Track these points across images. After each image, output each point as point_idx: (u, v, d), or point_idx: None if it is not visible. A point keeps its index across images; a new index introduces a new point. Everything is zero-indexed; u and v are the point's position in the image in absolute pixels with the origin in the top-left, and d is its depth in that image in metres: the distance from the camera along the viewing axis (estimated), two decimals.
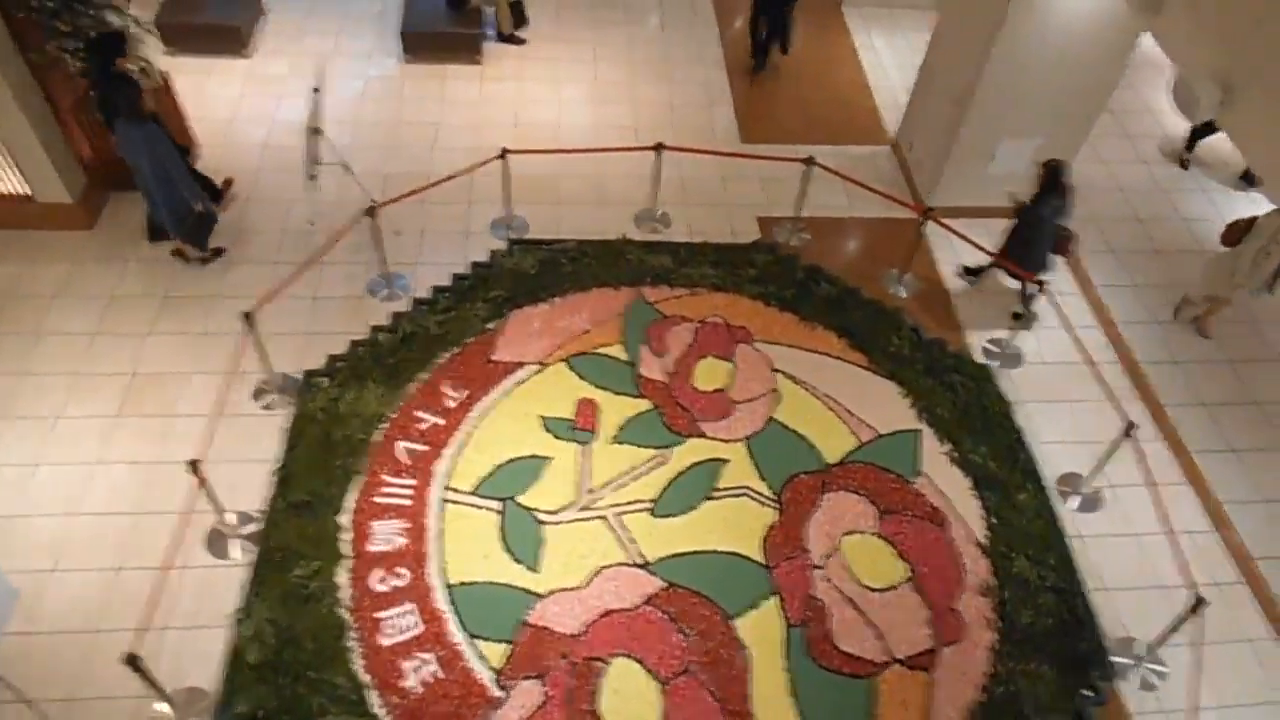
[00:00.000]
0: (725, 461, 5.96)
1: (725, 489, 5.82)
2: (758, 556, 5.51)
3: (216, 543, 5.34)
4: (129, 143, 6.03)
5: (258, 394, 6.07)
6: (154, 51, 7.14)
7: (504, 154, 6.87)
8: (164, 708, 4.64)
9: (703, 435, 6.09)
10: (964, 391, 6.51)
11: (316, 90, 6.20)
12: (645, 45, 9.50)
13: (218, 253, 6.88)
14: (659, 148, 7.09)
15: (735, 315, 6.87)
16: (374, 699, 4.78)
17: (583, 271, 7.08)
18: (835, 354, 6.73)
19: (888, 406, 6.41)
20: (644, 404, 6.24)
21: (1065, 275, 7.51)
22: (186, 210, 6.42)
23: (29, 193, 6.76)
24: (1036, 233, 6.56)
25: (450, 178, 6.95)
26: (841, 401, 6.42)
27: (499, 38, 9.25)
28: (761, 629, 5.19)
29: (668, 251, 7.30)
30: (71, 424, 5.84)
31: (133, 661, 4.14)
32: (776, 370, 6.56)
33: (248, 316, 5.56)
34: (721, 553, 5.51)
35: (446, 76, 8.82)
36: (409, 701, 4.78)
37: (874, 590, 5.41)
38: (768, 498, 5.81)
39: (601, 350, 6.53)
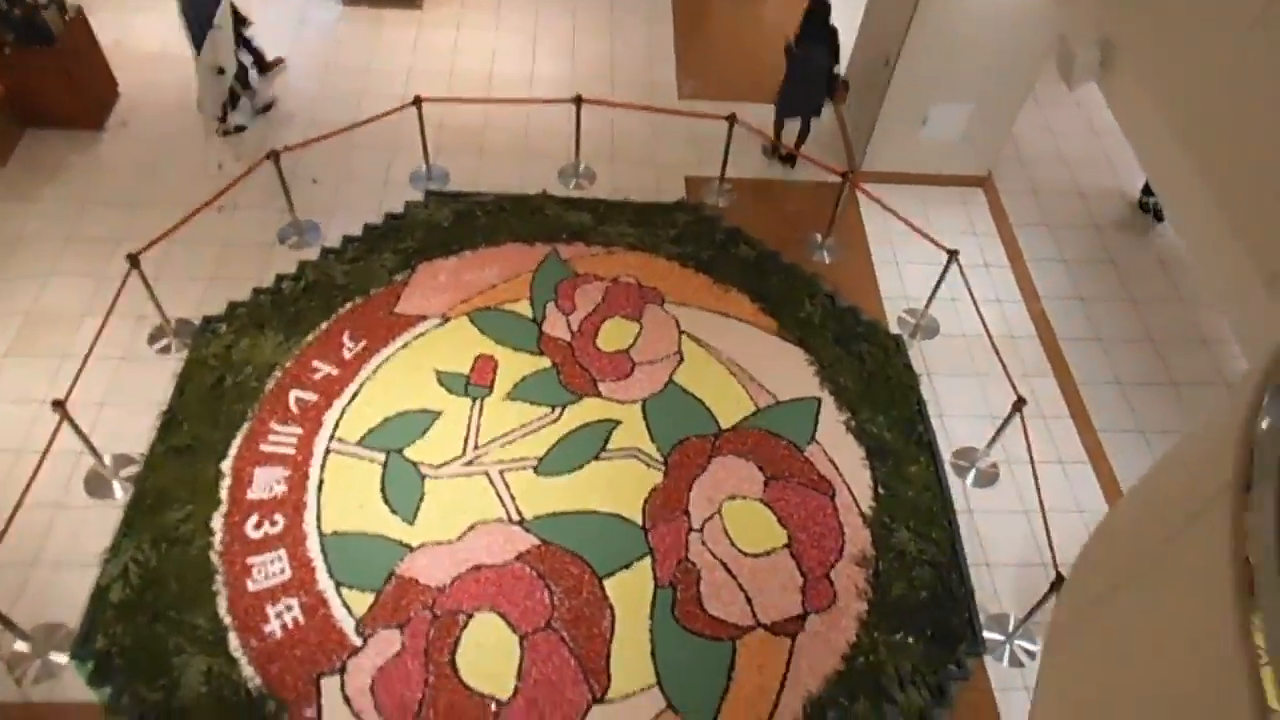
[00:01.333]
0: (617, 423, 5.92)
1: (614, 450, 5.80)
2: (636, 518, 5.50)
3: (95, 483, 5.37)
4: None
5: (152, 338, 6.05)
6: None
7: (417, 101, 6.75)
8: (22, 646, 4.70)
9: (599, 395, 6.05)
10: (871, 361, 6.44)
11: (215, 27, 6.07)
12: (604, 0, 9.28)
13: (239, 129, 7.09)
14: (577, 100, 6.95)
15: (649, 275, 6.78)
16: (234, 641, 4.83)
17: (498, 226, 6.99)
18: (745, 318, 6.65)
19: (791, 373, 6.35)
20: (543, 362, 6.19)
21: (997, 247, 7.37)
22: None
23: None
24: (805, 77, 6.99)
25: (359, 124, 6.85)
26: (745, 366, 6.35)
27: None
28: (630, 589, 5.19)
29: (587, 209, 7.20)
30: None
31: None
32: (683, 333, 6.49)
33: (132, 259, 5.52)
34: (601, 513, 5.50)
35: (384, 21, 8.66)
36: (268, 644, 4.83)
37: (748, 555, 5.40)
38: (655, 460, 5.78)
39: (507, 306, 6.47)
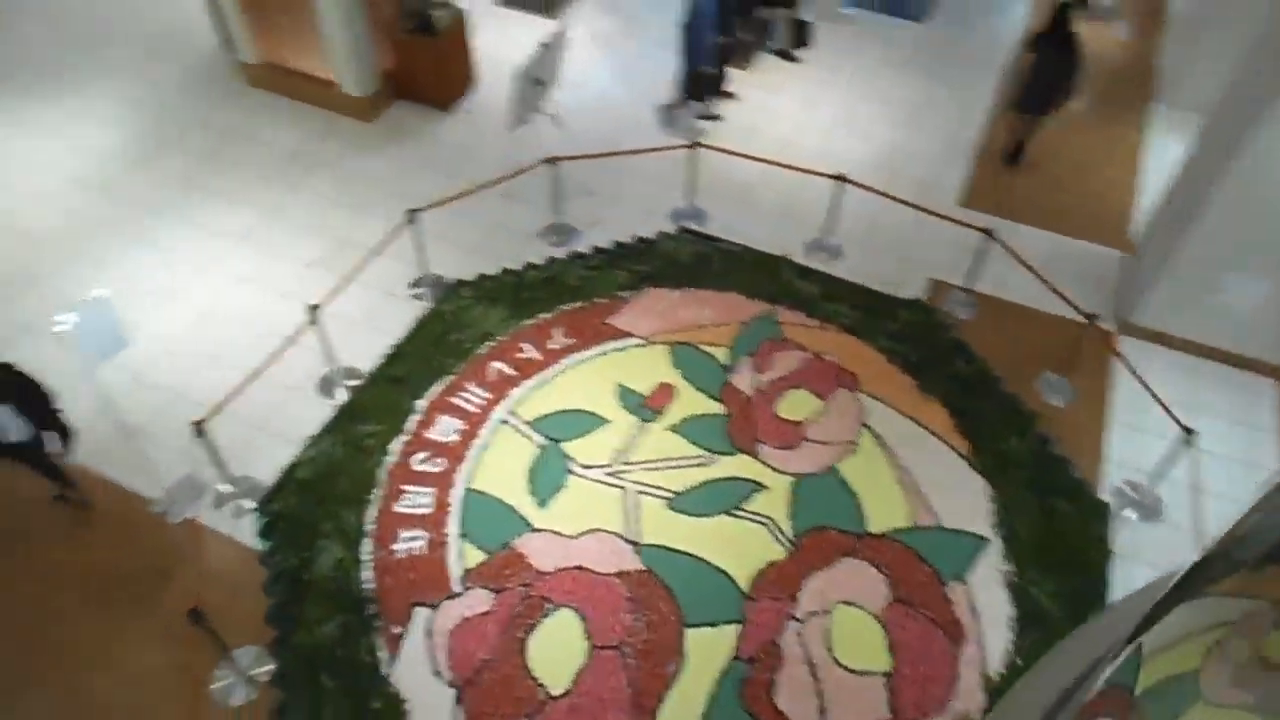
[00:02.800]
0: (763, 488, 5.88)
1: (748, 511, 5.76)
2: (743, 584, 5.42)
3: (325, 383, 6.41)
4: None
5: (412, 284, 7.10)
6: None
7: (694, 145, 7.25)
8: (226, 487, 5.76)
9: (755, 456, 6.05)
10: (1061, 520, 5.75)
11: (545, 45, 7.01)
12: (910, 87, 9.27)
13: (708, 117, 8.43)
14: (840, 179, 7.03)
15: (852, 360, 6.65)
16: (367, 546, 5.53)
17: (730, 273, 7.25)
18: (938, 432, 6.26)
19: (966, 503, 5.87)
20: (717, 408, 6.32)
21: (1270, 449, 6.23)
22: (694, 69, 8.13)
23: (334, 80, 8.42)
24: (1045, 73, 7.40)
25: (641, 151, 7.49)
26: (917, 479, 5.99)
27: (778, 52, 9.56)
28: (708, 648, 5.13)
29: (819, 281, 7.22)
30: (259, 244, 7.36)
31: (199, 431, 5.25)
32: (866, 425, 6.27)
33: (410, 214, 6.56)
34: (712, 565, 5.49)
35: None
36: (389, 560, 5.46)
37: (842, 666, 5.08)
38: (785, 536, 5.65)
39: (706, 347, 6.70)
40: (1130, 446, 6.24)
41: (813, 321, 6.94)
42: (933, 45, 9.86)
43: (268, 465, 5.93)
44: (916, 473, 6.02)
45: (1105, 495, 5.94)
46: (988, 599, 5.40)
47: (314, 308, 5.94)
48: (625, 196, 7.94)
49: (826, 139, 8.65)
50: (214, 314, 6.88)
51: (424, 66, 8.56)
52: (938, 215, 7.05)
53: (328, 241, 7.43)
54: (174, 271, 7.18)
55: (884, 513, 5.79)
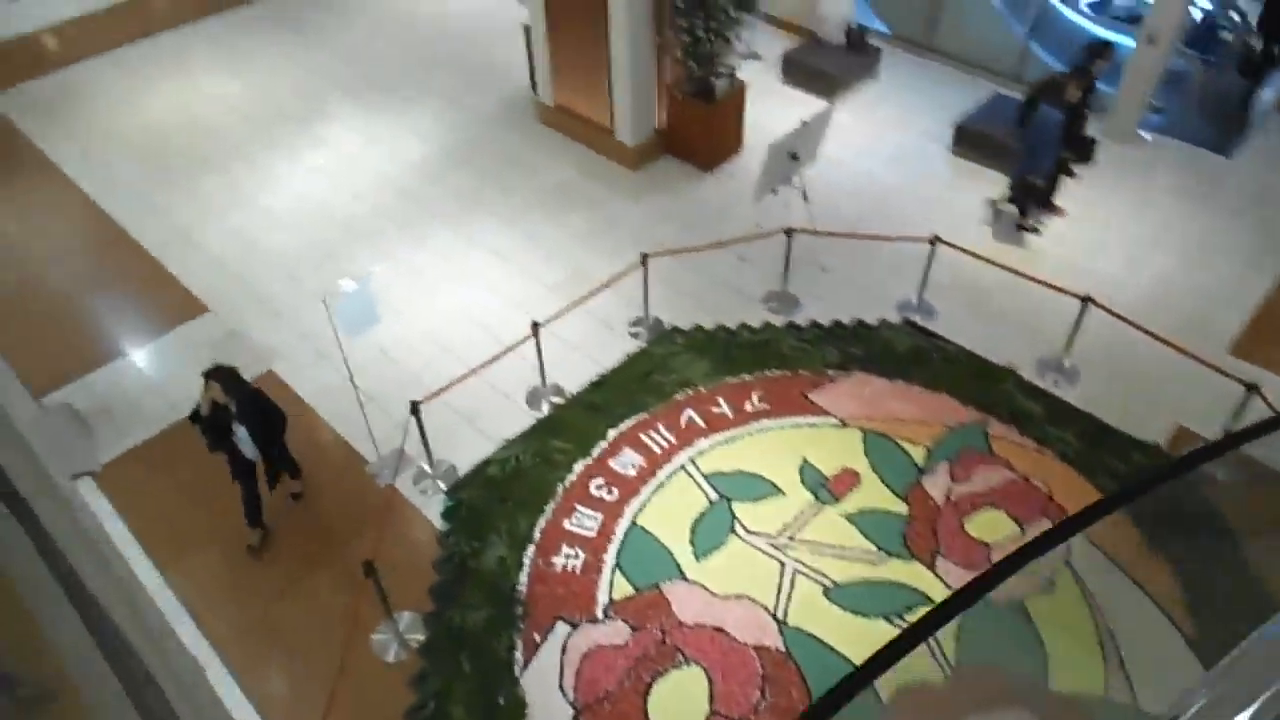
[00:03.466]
0: (930, 602, 5.49)
1: (909, 623, 5.40)
2: (885, 697, 5.07)
3: (533, 396, 6.92)
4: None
5: (634, 322, 7.48)
6: (737, 61, 8.90)
7: (933, 241, 7.07)
8: (427, 467, 6.37)
9: (931, 568, 5.68)
10: None
11: (806, 123, 7.20)
12: (1199, 220, 8.39)
13: (1026, 228, 8.35)
14: (1085, 300, 6.51)
15: (1065, 493, 6.07)
16: (530, 551, 5.86)
17: (946, 374, 6.93)
18: (1160, 599, 5.51)
19: (1177, 685, 5.10)
20: (900, 508, 6.03)
21: None
22: (1022, 177, 8.19)
23: (611, 128, 9.18)
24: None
25: (879, 238, 7.42)
26: (1122, 646, 5.29)
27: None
28: None
29: (1045, 402, 6.69)
30: (513, 261, 8.14)
31: (415, 411, 5.88)
32: (1069, 565, 5.67)
33: (644, 258, 6.96)
34: (855, 667, 5.20)
35: (980, 177, 9.02)
36: (546, 570, 5.74)
37: None
38: (945, 661, 5.22)
39: (903, 442, 6.43)
40: None
41: (1027, 441, 6.44)
42: (1239, 183, 8.89)
43: (466, 455, 6.49)
44: (1123, 639, 5.32)
45: None
46: None
47: (536, 325, 6.46)
48: (856, 278, 7.88)
49: (1085, 256, 8.06)
50: (460, 313, 7.68)
51: (696, 128, 9.09)
52: (1196, 358, 6.30)
53: (570, 269, 8.05)
54: (438, 271, 8.12)
55: (1068, 670, 5.17)
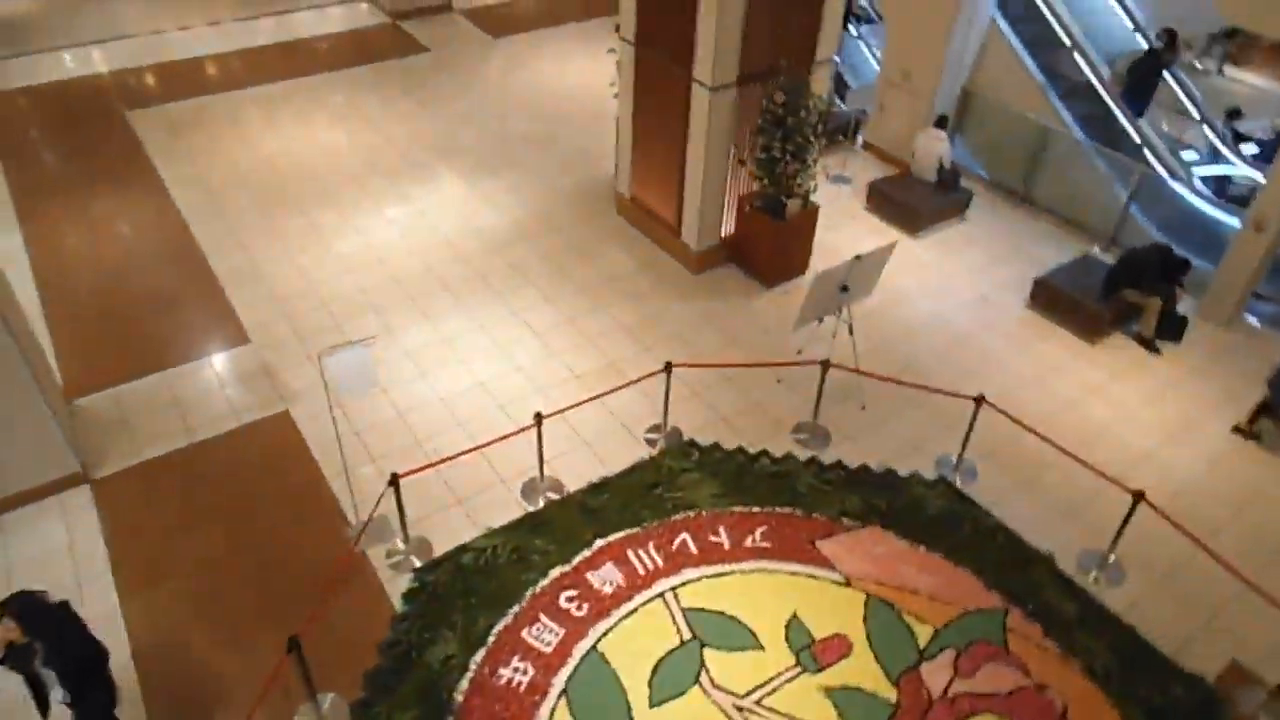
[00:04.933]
0: None
1: None
2: None
3: (528, 489, 6.63)
4: None
5: (652, 428, 7.17)
6: (813, 182, 8.69)
7: (979, 402, 6.54)
8: (400, 544, 6.13)
9: None
10: None
11: (858, 258, 6.86)
12: None
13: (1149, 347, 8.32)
14: (1139, 496, 5.83)
15: (1081, 715, 5.30)
16: (479, 656, 5.48)
17: (974, 549, 6.29)
18: None
19: None
20: (889, 694, 5.39)
21: None
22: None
23: (678, 230, 9.07)
24: None
25: (927, 389, 6.94)
26: None
27: (1137, 336, 8.44)
28: None
29: (1080, 602, 5.96)
30: (547, 342, 7.99)
31: (394, 483, 5.69)
32: None
33: (668, 366, 6.69)
34: None
35: (1051, 338, 8.46)
36: (487, 681, 5.34)
37: None
38: None
39: (908, 618, 5.81)
40: None
41: (1051, 644, 5.71)
42: None
43: (447, 536, 6.23)
44: None
45: None
46: None
47: (540, 416, 6.23)
48: (896, 424, 7.37)
49: (1157, 444, 7.32)
50: (482, 388, 7.55)
51: (762, 242, 8.88)
52: (1259, 590, 5.50)
53: (604, 362, 7.85)
54: (472, 341, 8.06)
55: None
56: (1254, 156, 10.68)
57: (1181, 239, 9.35)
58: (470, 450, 6.30)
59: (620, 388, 6.94)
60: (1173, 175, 9.75)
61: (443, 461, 6.20)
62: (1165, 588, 6.15)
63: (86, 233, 9.45)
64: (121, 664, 5.40)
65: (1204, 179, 10.17)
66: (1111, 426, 7.48)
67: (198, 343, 8.00)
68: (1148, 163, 9.73)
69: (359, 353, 5.49)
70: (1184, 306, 8.63)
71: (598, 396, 6.83)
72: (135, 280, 8.76)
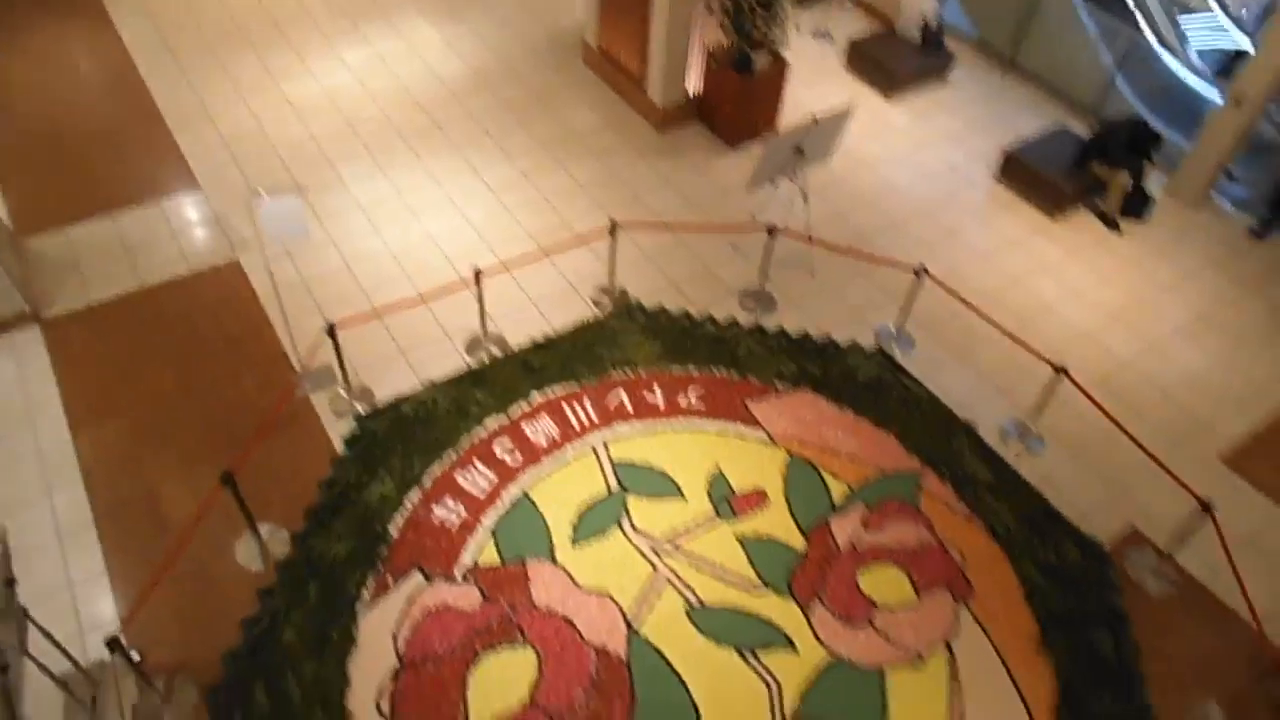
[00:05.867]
0: (792, 648, 5.22)
1: (760, 663, 5.15)
2: None
3: (472, 344, 6.75)
4: None
5: (601, 289, 7.21)
6: (802, 35, 8.31)
7: (919, 272, 6.56)
8: (343, 392, 6.31)
9: (805, 611, 5.38)
10: None
11: (815, 120, 6.69)
12: (1247, 310, 7.60)
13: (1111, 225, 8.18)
14: (1060, 371, 5.96)
15: (980, 571, 5.66)
16: (415, 495, 5.77)
17: (901, 416, 6.49)
18: (1030, 701, 5.13)
19: None
20: (798, 543, 5.72)
21: None
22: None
23: (644, 85, 8.78)
24: None
25: (871, 259, 6.93)
26: None
27: (1100, 213, 8.34)
28: None
29: (995, 469, 6.21)
30: (503, 198, 7.79)
31: (331, 333, 5.80)
32: (949, 647, 5.31)
33: (613, 225, 6.66)
34: (689, 695, 5.00)
35: (1014, 213, 8.36)
36: (421, 517, 5.65)
37: None
38: (781, 711, 4.98)
39: (827, 476, 6.07)
40: None
41: (961, 507, 6.00)
42: None
43: (391, 386, 6.41)
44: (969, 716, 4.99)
45: None
46: None
47: (479, 272, 6.27)
48: (843, 293, 7.41)
49: (1101, 322, 7.40)
50: (433, 241, 7.53)
51: (728, 100, 8.61)
52: (1158, 461, 5.73)
53: (558, 219, 7.80)
54: (426, 194, 7.96)
55: None
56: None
57: (1168, 115, 9.09)
58: (410, 303, 6.37)
59: (567, 246, 6.95)
60: (1164, 44, 9.35)
61: (384, 312, 6.29)
62: (1080, 461, 6.39)
63: (30, 67, 9.14)
64: (75, 494, 5.71)
65: (1204, 53, 9.73)
66: (1057, 304, 7.54)
67: (146, 187, 7.90)
68: (1138, 27, 9.30)
69: (290, 201, 5.46)
70: (1154, 184, 8.51)
71: (544, 256, 6.85)
72: (81, 119, 8.55)
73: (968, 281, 7.46)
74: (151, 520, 5.64)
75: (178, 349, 6.62)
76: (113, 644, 4.30)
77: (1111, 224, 8.22)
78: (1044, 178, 8.30)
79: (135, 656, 4.70)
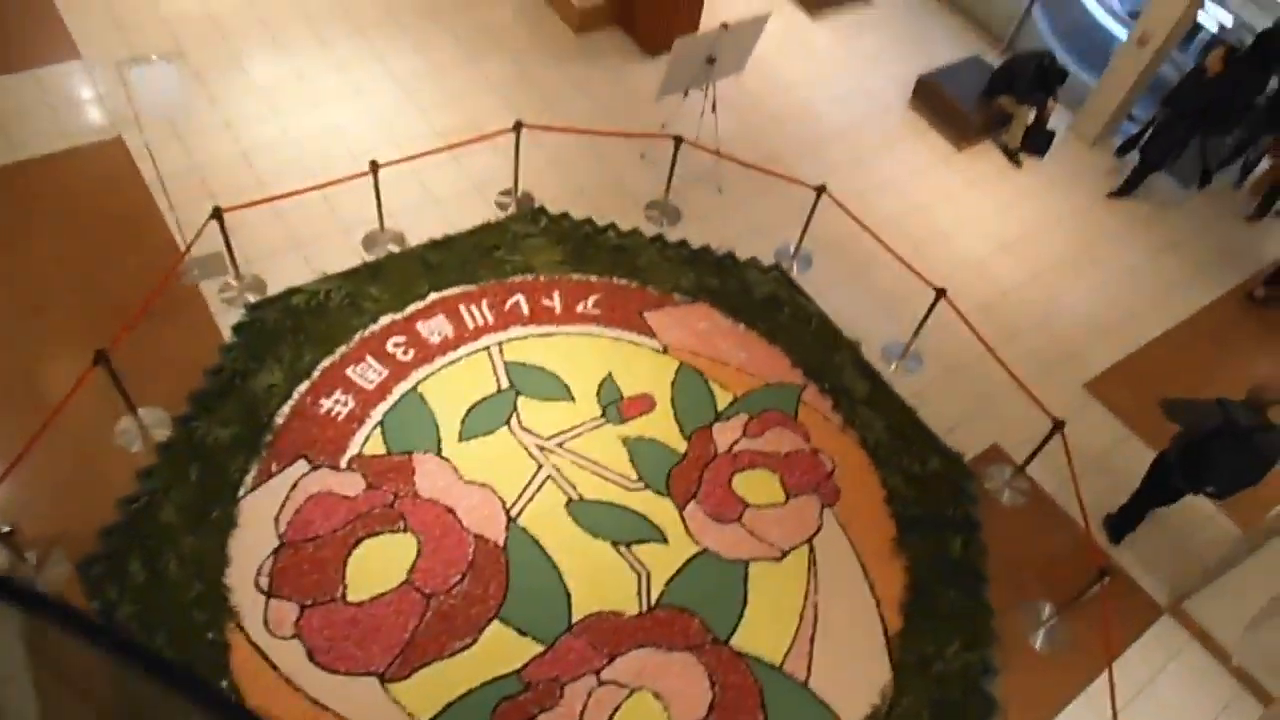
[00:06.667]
0: (663, 541, 5.50)
1: (632, 555, 5.42)
2: (576, 615, 5.14)
3: (370, 239, 6.67)
4: None
5: (504, 191, 7.16)
6: None
7: (819, 191, 6.70)
8: (233, 280, 6.20)
9: (679, 508, 5.65)
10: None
11: (725, 27, 6.66)
12: (1129, 248, 8.01)
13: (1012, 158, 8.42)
14: (940, 293, 6.24)
15: (848, 477, 6.00)
16: (302, 387, 5.78)
17: (790, 331, 6.72)
18: (879, 596, 5.54)
19: (852, 683, 5.19)
20: (680, 446, 5.95)
21: None
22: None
23: None
24: None
25: (774, 175, 7.04)
26: (821, 629, 5.36)
27: (1003, 146, 8.57)
28: (501, 650, 4.95)
29: (872, 385, 6.53)
30: (410, 91, 7.60)
31: (218, 217, 5.67)
32: (811, 547, 5.67)
33: (517, 125, 6.58)
34: (562, 580, 5.25)
35: (921, 140, 8.53)
36: (309, 408, 5.68)
37: None
38: (648, 597, 5.28)
39: (714, 386, 6.29)
40: None
41: (836, 418, 6.31)
42: (1188, 219, 8.42)
43: (282, 278, 6.31)
44: (825, 621, 5.38)
45: None
46: None
47: (375, 165, 6.16)
48: (749, 209, 7.52)
49: (992, 251, 7.70)
50: (335, 132, 7.32)
51: (647, 5, 8.45)
52: (1021, 384, 6.10)
53: (465, 118, 7.64)
54: (330, 82, 7.69)
55: (760, 636, 5.25)
56: None
57: (1081, 54, 9.28)
58: (303, 191, 6.23)
59: (468, 142, 6.84)
60: None
61: (278, 200, 6.14)
62: (952, 380, 6.74)
63: None
64: None
65: None
66: (952, 232, 7.80)
67: (19, 51, 7.40)
68: None
69: (164, 68, 5.23)
70: (1059, 121, 8.75)
71: (447, 150, 6.73)
72: None
73: (871, 206, 7.63)
74: (27, 395, 5.53)
75: (56, 226, 6.36)
76: None
77: (1013, 158, 8.47)
78: (953, 107, 8.46)
79: (5, 528, 4.68)
